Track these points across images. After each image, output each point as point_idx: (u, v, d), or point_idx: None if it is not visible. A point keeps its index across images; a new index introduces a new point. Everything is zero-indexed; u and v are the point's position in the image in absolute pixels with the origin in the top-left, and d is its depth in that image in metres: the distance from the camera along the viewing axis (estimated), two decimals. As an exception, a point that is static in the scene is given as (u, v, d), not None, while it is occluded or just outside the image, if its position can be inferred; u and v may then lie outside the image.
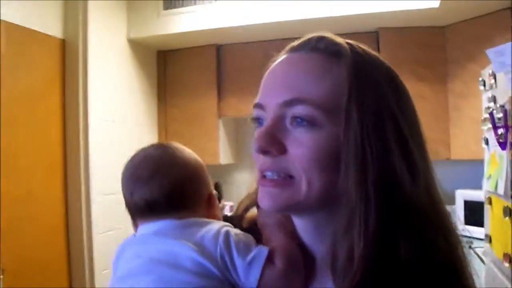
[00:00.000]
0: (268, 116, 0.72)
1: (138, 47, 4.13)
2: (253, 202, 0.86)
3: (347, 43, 0.73)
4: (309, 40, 0.75)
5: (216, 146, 4.25)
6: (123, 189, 0.90)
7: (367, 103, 0.67)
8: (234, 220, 0.88)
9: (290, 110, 0.69)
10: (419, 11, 3.36)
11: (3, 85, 2.71)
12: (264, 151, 0.70)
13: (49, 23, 3.32)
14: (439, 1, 3.18)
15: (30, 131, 3.10)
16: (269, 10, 3.60)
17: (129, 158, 0.92)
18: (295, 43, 0.77)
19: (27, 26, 3.09)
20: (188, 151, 0.93)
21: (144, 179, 0.87)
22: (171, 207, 0.86)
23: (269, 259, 0.76)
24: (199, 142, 4.19)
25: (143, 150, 0.92)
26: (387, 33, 3.76)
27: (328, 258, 0.69)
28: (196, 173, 0.91)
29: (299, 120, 0.68)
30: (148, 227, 0.86)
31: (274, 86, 0.72)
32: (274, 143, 0.69)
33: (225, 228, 0.81)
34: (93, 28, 3.50)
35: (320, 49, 0.73)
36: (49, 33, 3.32)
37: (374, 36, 3.82)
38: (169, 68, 4.44)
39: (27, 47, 3.12)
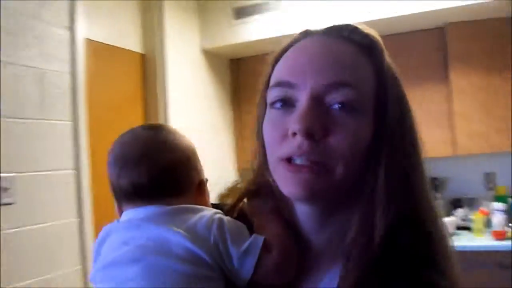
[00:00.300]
0: (303, 97, 0.68)
1: (211, 56, 4.29)
2: (245, 191, 0.85)
3: (379, 36, 0.75)
4: (341, 28, 0.74)
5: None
6: (109, 171, 0.84)
7: (398, 97, 0.71)
8: (223, 208, 0.84)
9: (334, 92, 0.67)
10: (487, 3, 3.33)
11: (90, 100, 2.93)
12: (308, 133, 0.65)
13: (129, 39, 3.55)
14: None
15: (116, 141, 3.29)
16: (335, 14, 3.63)
17: (117, 138, 0.86)
18: (325, 28, 0.75)
19: (110, 43, 3.32)
20: (180, 134, 0.87)
21: (132, 162, 0.81)
22: (160, 192, 0.81)
23: (265, 248, 0.73)
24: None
25: (132, 130, 0.87)
26: (455, 28, 3.71)
27: (342, 244, 0.71)
28: (188, 158, 0.85)
29: (344, 104, 0.66)
30: (135, 213, 0.80)
31: (316, 65, 0.68)
32: (320, 124, 0.66)
33: (218, 215, 0.78)
34: (169, 41, 3.70)
35: (355, 40, 0.72)
36: (130, 48, 3.55)
37: (441, 32, 3.79)
38: (241, 75, 4.57)
39: (111, 63, 3.36)
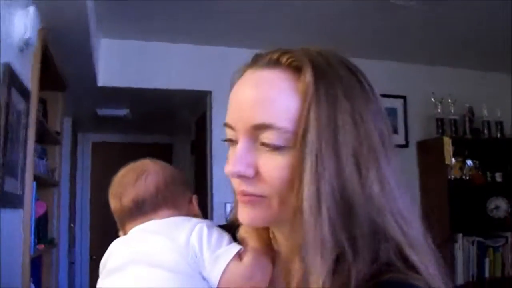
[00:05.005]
0: (238, 137, 0.73)
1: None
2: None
3: (313, 56, 0.72)
4: (273, 53, 0.75)
5: None
6: (111, 200, 0.96)
7: (324, 121, 0.67)
8: (229, 228, 0.88)
9: (258, 133, 0.70)
10: None
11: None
12: (239, 176, 0.72)
13: None
14: None
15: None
16: None
17: (114, 177, 0.98)
18: (260, 56, 0.76)
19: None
20: (164, 163, 1.00)
21: (131, 182, 0.94)
22: (156, 205, 0.92)
23: (238, 257, 0.79)
24: None
25: (126, 166, 0.99)
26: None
27: (282, 274, 0.75)
28: (175, 178, 0.98)
29: (267, 144, 0.70)
30: (135, 229, 0.90)
31: (241, 107, 0.73)
32: (247, 167, 0.71)
33: (200, 224, 0.84)
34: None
35: (282, 63, 0.72)
36: None
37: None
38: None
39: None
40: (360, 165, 0.68)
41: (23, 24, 2.16)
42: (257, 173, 0.71)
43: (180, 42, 3.96)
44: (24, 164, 2.32)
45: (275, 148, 0.69)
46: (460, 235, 4.13)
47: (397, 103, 4.42)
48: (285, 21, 3.56)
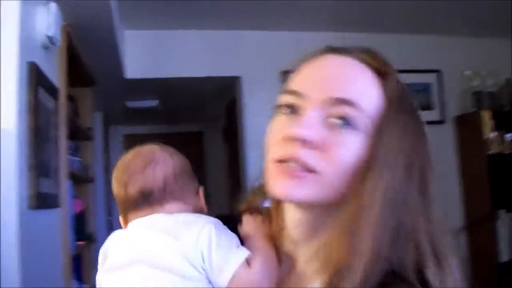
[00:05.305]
0: (308, 107, 0.71)
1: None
2: (250, 203, 0.89)
3: (394, 69, 0.75)
4: (362, 50, 0.76)
5: None
6: (115, 186, 0.91)
7: (401, 127, 0.70)
8: (232, 220, 0.86)
9: (338, 108, 0.70)
10: None
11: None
12: (306, 141, 0.68)
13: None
14: None
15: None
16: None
17: (119, 160, 0.94)
18: (347, 46, 0.77)
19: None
20: (173, 150, 0.96)
21: (138, 170, 0.89)
22: (163, 198, 0.88)
23: (247, 262, 0.77)
24: None
25: (133, 150, 0.95)
26: None
27: (321, 251, 0.71)
28: (184, 168, 0.94)
29: (343, 119, 0.69)
30: (139, 221, 0.87)
31: (324, 77, 0.73)
32: (318, 134, 0.69)
33: (209, 225, 0.80)
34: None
35: (372, 64, 0.74)
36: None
37: None
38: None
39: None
40: (414, 175, 0.70)
41: (46, 21, 2.13)
42: (322, 147, 0.69)
43: (205, 29, 3.92)
44: (58, 163, 2.32)
45: (352, 128, 0.69)
46: (503, 211, 4.00)
47: (432, 78, 4.30)
48: (310, 1, 3.47)
